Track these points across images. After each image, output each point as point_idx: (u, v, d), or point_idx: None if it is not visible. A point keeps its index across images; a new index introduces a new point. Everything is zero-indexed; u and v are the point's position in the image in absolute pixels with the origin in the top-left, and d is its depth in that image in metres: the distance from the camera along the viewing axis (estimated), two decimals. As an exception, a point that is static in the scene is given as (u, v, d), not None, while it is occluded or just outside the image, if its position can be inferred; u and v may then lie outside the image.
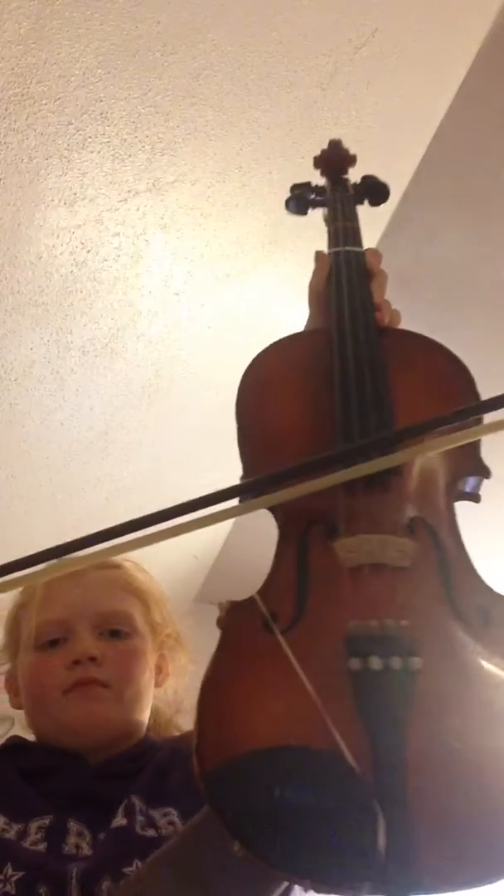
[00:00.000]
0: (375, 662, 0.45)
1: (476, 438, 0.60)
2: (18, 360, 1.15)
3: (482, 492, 0.67)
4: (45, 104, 0.89)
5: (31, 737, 0.87)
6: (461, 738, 0.44)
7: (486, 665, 0.49)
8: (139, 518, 0.45)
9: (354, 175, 0.88)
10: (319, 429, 0.67)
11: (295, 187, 0.87)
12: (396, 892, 0.41)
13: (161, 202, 1.14)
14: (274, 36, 1.06)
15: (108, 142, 0.99)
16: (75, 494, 1.61)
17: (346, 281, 0.77)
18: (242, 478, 0.67)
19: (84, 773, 0.77)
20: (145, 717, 0.82)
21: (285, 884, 0.54)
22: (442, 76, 1.42)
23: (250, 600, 0.54)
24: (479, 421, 0.48)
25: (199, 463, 1.96)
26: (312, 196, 0.89)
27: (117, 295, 1.22)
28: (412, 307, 1.94)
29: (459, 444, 0.47)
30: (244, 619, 0.54)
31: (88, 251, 1.10)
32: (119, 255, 1.16)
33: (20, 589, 0.88)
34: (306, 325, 0.83)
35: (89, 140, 0.97)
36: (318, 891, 0.45)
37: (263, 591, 0.56)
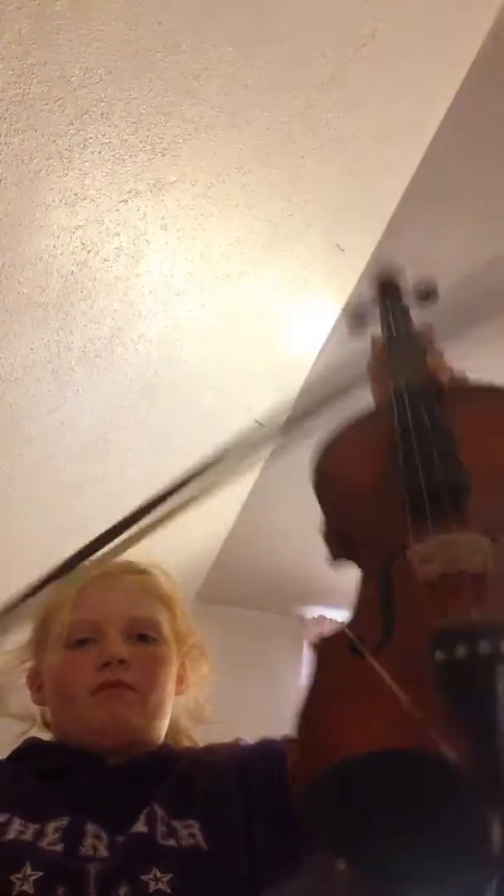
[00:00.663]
0: (461, 651, 0.45)
1: None
2: (19, 360, 1.15)
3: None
4: (46, 104, 0.89)
5: (46, 735, 0.88)
6: None
7: None
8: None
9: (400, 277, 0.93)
10: (394, 507, 0.67)
11: (349, 316, 0.94)
12: None
13: (161, 202, 1.14)
14: (274, 37, 1.06)
15: (109, 142, 1.00)
16: (75, 494, 1.61)
17: (401, 366, 0.83)
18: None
19: (102, 774, 0.78)
20: (165, 724, 0.83)
21: None
22: (442, 76, 1.42)
23: (339, 631, 0.57)
24: None
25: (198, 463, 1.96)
26: (367, 312, 0.95)
27: (118, 295, 1.22)
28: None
29: None
30: (334, 645, 0.56)
31: (89, 251, 1.10)
32: (119, 256, 1.16)
33: (51, 588, 0.89)
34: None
35: (90, 140, 0.97)
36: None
37: (351, 622, 0.59)
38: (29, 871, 0.67)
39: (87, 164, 0.99)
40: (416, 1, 1.20)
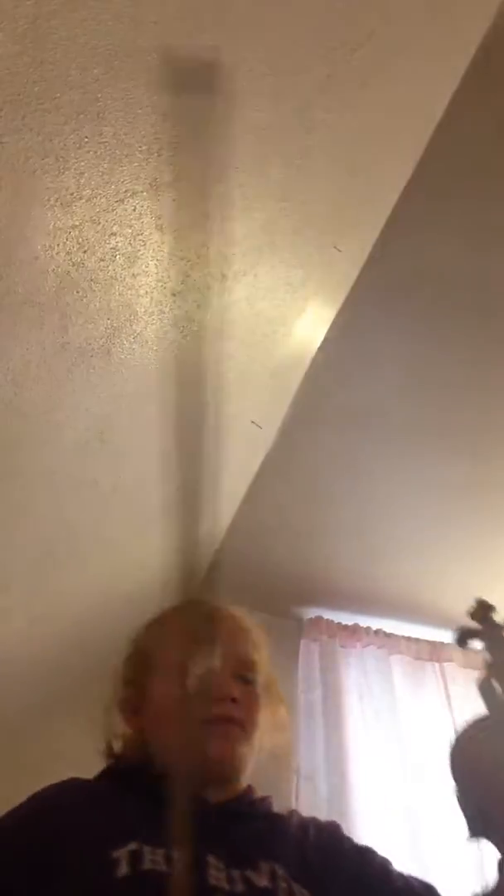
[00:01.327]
0: None
1: None
2: (14, 360, 1.14)
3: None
4: (42, 104, 0.88)
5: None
6: None
7: None
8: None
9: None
10: None
11: (458, 634, 1.03)
12: None
13: (158, 202, 1.14)
14: (270, 38, 1.06)
15: (105, 142, 0.99)
16: (72, 494, 1.61)
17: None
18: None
19: (207, 809, 0.81)
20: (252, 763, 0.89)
21: None
22: (439, 78, 1.42)
23: None
24: None
25: (194, 463, 1.96)
26: (472, 637, 1.03)
27: (114, 295, 1.22)
28: (410, 309, 1.95)
29: None
30: None
31: (85, 251, 1.10)
32: (116, 256, 1.16)
33: (156, 615, 0.94)
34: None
35: (86, 140, 0.97)
36: None
37: None
38: None
39: (83, 163, 0.99)
40: (413, 3, 1.20)
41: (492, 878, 0.80)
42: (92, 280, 1.15)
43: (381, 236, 1.70)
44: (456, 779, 0.86)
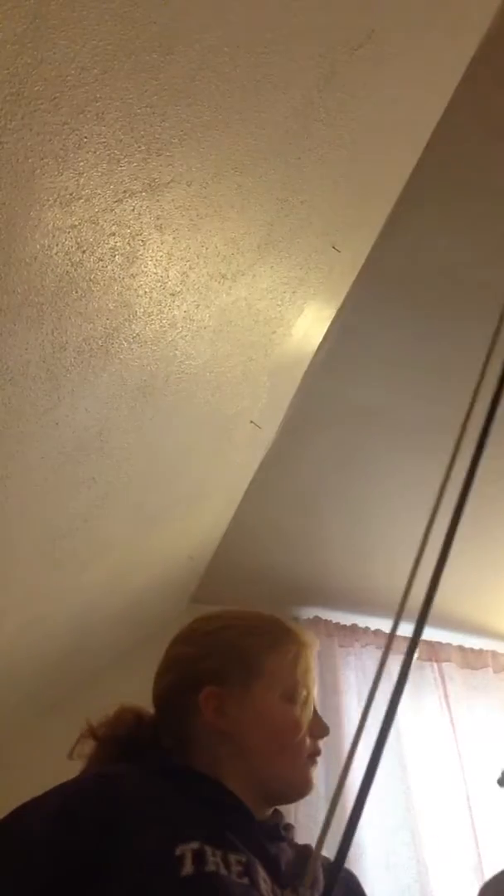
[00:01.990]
0: None
1: None
2: (13, 359, 1.14)
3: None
4: (41, 104, 0.88)
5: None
6: None
7: None
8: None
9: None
10: None
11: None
12: None
13: (157, 202, 1.14)
14: (270, 37, 1.06)
15: (104, 142, 0.99)
16: (70, 494, 1.61)
17: None
18: None
19: (254, 823, 0.82)
20: None
21: None
22: (439, 78, 1.42)
23: None
24: None
25: (193, 463, 1.96)
26: None
27: (113, 295, 1.22)
28: (408, 309, 1.94)
29: None
30: None
31: (84, 251, 1.10)
32: (115, 256, 1.15)
33: (243, 616, 0.95)
34: None
35: (85, 140, 0.97)
36: None
37: None
38: None
39: (82, 163, 0.99)
40: (413, 2, 1.20)
41: None
42: (91, 280, 1.15)
43: (380, 236, 1.70)
44: None
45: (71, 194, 1.01)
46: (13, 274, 1.03)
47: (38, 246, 1.03)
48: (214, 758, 0.86)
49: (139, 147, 1.04)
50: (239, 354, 1.66)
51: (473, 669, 3.00)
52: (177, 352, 1.48)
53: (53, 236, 1.04)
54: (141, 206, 1.12)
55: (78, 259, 1.10)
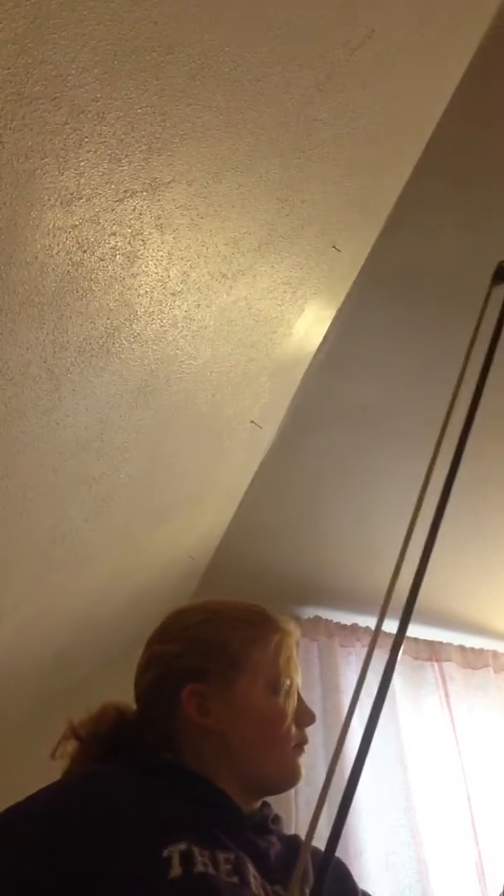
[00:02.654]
0: None
1: None
2: (14, 359, 1.14)
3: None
4: (42, 104, 0.88)
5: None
6: None
7: None
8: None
9: None
10: None
11: None
12: None
13: (157, 202, 1.14)
14: (270, 37, 1.06)
15: (105, 141, 0.99)
16: (70, 494, 1.61)
17: None
18: None
19: (242, 818, 0.82)
20: None
21: None
22: (439, 77, 1.42)
23: None
24: None
25: (193, 463, 1.96)
26: None
27: (113, 295, 1.22)
28: (408, 309, 1.95)
29: None
30: None
31: (84, 251, 1.10)
32: (115, 255, 1.16)
33: (226, 608, 0.94)
34: None
35: (86, 140, 0.97)
36: None
37: None
38: None
39: (82, 163, 0.99)
40: (413, 2, 1.20)
41: None
42: (91, 280, 1.15)
43: (380, 236, 1.70)
44: None
45: (72, 194, 1.01)
46: (14, 274, 1.03)
47: (38, 246, 1.03)
48: (199, 754, 0.86)
49: (140, 147, 1.04)
50: (239, 354, 1.66)
51: (474, 669, 3.00)
52: (177, 351, 1.49)
53: (54, 236, 1.04)
54: (142, 206, 1.12)
55: (79, 259, 1.10)
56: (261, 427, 1.99)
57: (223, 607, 0.99)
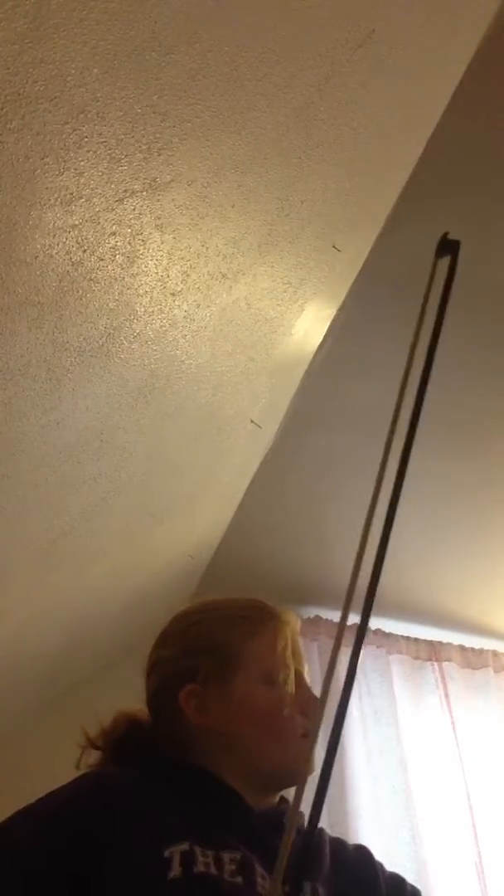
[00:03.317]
0: None
1: None
2: (14, 359, 1.14)
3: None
4: (41, 104, 0.88)
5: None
6: None
7: None
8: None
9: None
10: None
11: None
12: None
13: (157, 202, 1.14)
14: (270, 36, 1.06)
15: (105, 141, 0.99)
16: (71, 494, 1.61)
17: None
18: None
19: (251, 816, 0.81)
20: None
21: None
22: (439, 77, 1.42)
23: None
24: None
25: (193, 463, 1.96)
26: None
27: (113, 295, 1.22)
28: (409, 309, 1.94)
29: None
30: None
31: (84, 251, 1.10)
32: (115, 255, 1.15)
33: (221, 606, 0.94)
34: None
35: (85, 140, 0.97)
36: None
37: None
38: None
39: (82, 163, 0.99)
40: (413, 2, 1.20)
41: None
42: (91, 280, 1.15)
43: (380, 236, 1.70)
44: None
45: (71, 194, 1.01)
46: (14, 274, 1.03)
47: (38, 246, 1.03)
48: (207, 754, 0.86)
49: (140, 147, 1.04)
50: (239, 354, 1.66)
51: (474, 669, 3.00)
52: (177, 351, 1.49)
53: (54, 236, 1.04)
54: (141, 206, 1.12)
55: (78, 259, 1.10)
56: (261, 427, 1.99)
57: (219, 605, 1.00)
